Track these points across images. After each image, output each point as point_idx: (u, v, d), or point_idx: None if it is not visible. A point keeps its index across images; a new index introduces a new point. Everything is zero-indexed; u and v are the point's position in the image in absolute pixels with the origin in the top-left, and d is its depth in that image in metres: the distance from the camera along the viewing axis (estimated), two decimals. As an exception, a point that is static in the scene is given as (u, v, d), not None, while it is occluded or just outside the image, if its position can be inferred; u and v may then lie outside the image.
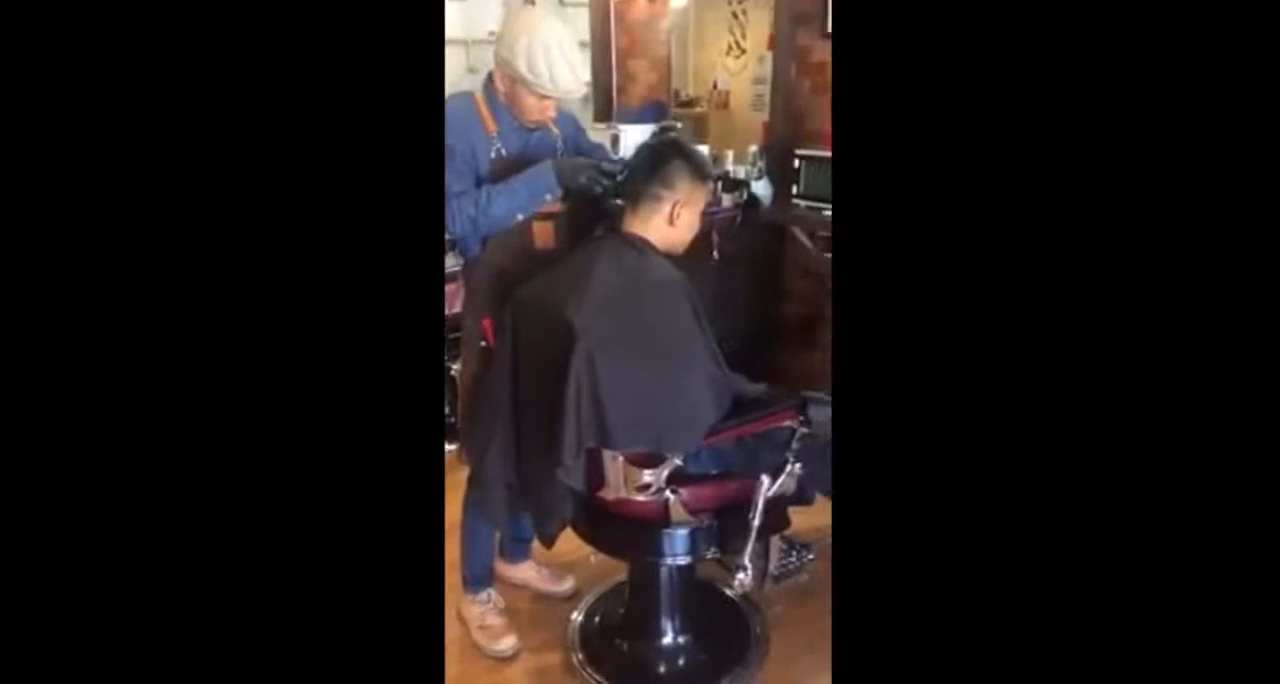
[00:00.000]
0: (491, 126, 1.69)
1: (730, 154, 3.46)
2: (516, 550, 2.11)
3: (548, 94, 1.61)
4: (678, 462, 1.50)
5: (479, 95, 1.70)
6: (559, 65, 1.57)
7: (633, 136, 3.59)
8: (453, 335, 2.56)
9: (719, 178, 3.25)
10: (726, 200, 3.15)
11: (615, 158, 1.93)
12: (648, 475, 1.49)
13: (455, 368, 2.18)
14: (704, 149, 3.51)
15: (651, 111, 3.67)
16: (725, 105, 4.64)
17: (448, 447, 2.35)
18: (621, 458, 1.50)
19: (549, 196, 1.65)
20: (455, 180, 1.64)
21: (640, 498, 1.52)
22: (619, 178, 1.63)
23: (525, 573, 2.13)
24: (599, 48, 3.95)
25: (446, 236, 1.70)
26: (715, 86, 4.74)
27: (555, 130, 1.79)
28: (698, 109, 4.77)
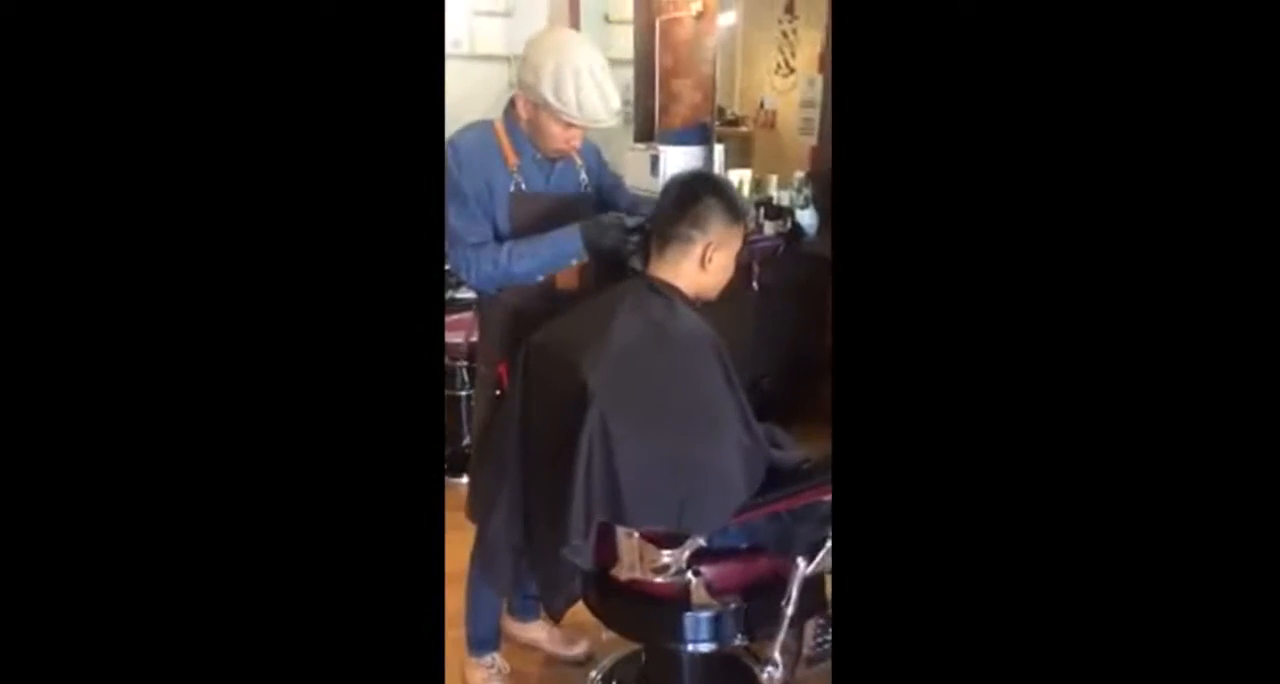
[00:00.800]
0: (512, 159, 1.52)
1: (774, 179, 3.25)
2: (526, 608, 1.93)
3: (575, 122, 1.43)
4: (701, 542, 1.30)
5: (499, 124, 1.54)
6: (588, 91, 1.40)
7: (673, 159, 3.42)
8: (470, 365, 2.41)
9: (761, 204, 3.05)
10: (769, 228, 2.95)
11: (637, 194, 1.77)
12: (666, 556, 1.29)
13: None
14: (747, 173, 3.33)
15: (695, 133, 3.48)
16: (772, 125, 4.45)
17: (459, 480, 2.19)
18: (637, 534, 1.30)
19: (574, 260, 1.51)
20: (470, 228, 1.49)
21: (657, 580, 1.32)
22: (647, 227, 1.46)
23: (535, 633, 1.94)
24: (642, 66, 3.78)
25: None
26: (762, 106, 4.56)
27: (579, 161, 1.62)
28: (743, 128, 4.60)
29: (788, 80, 4.37)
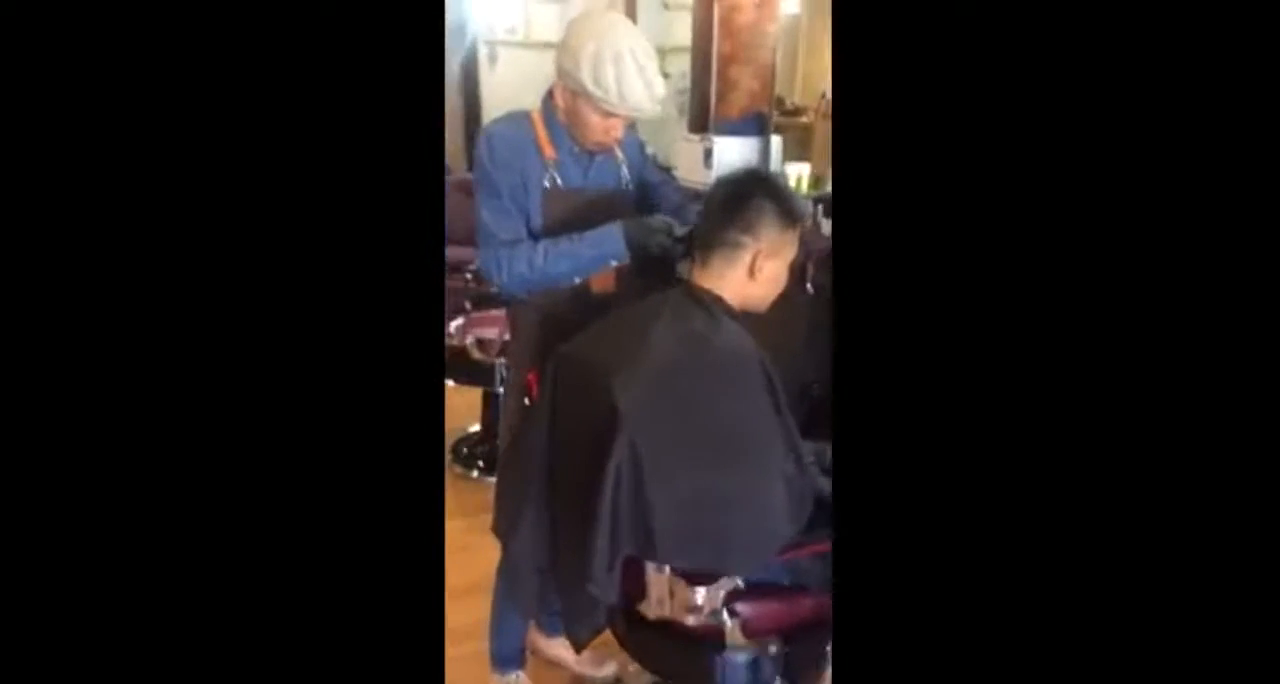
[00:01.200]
0: (549, 151, 1.40)
1: (807, 170, 3.06)
2: (553, 623, 1.82)
3: (614, 111, 1.30)
4: (739, 581, 1.17)
5: (537, 114, 1.42)
6: (630, 77, 1.27)
7: (728, 150, 3.26)
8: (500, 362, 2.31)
9: (820, 200, 2.88)
10: (827, 227, 2.77)
11: (689, 188, 1.62)
12: (700, 595, 1.17)
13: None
14: (805, 167, 3.15)
15: (752, 123, 3.31)
16: (827, 115, 4.28)
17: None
18: (669, 569, 1.18)
19: (614, 262, 1.37)
20: (502, 224, 1.37)
21: (690, 620, 1.20)
22: (683, 246, 1.34)
23: (562, 650, 1.84)
24: (699, 53, 3.62)
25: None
26: (824, 97, 4.38)
27: (620, 156, 1.49)
28: (803, 119, 4.42)
29: (851, 70, 4.17)
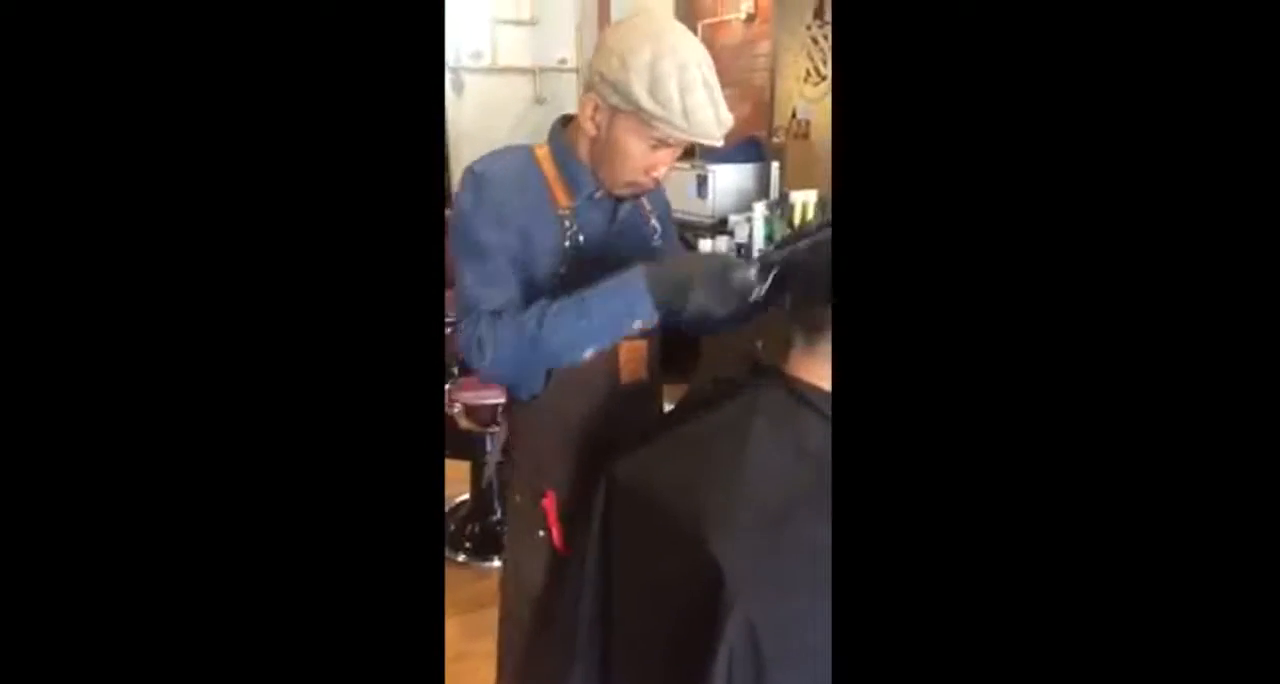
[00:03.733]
0: (563, 199, 1.00)
1: (814, 198, 2.75)
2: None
3: (675, 136, 0.92)
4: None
5: (543, 152, 1.02)
6: (698, 94, 0.90)
7: (725, 178, 2.92)
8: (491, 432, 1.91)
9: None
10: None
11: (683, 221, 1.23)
12: None
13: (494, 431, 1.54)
14: (813, 194, 2.83)
15: (746, 149, 2.98)
16: (805, 136, 4.00)
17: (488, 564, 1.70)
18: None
19: (637, 323, 0.93)
20: (491, 291, 0.96)
21: None
22: (762, 290, 0.90)
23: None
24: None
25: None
26: (794, 116, 4.11)
27: (647, 206, 1.11)
28: (776, 140, 4.15)
29: (818, 89, 3.92)
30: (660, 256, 1.08)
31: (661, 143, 0.94)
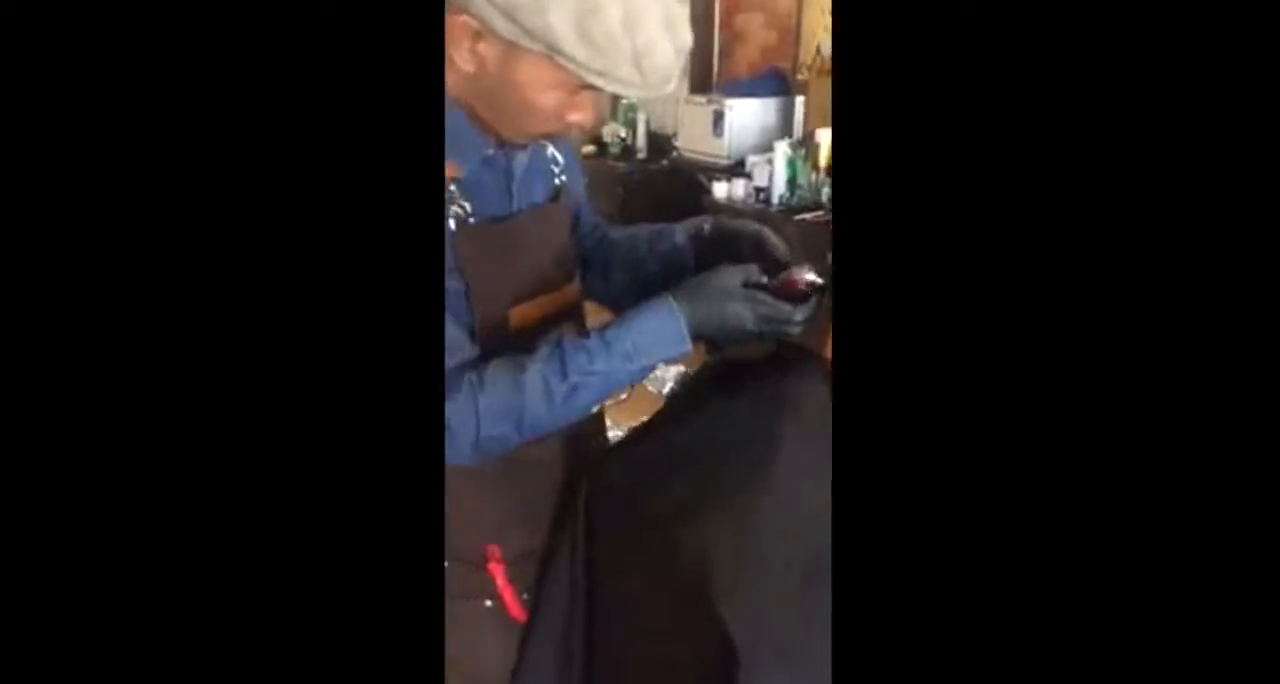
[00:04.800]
0: (449, 168, 0.69)
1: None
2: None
3: (617, 89, 0.64)
4: None
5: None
6: (653, 25, 0.61)
7: (743, 114, 2.63)
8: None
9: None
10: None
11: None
12: None
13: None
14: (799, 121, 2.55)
15: (767, 82, 2.68)
16: (829, 72, 3.67)
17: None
18: None
19: (676, 353, 0.67)
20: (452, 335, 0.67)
21: None
22: (802, 315, 0.67)
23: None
24: (698, 1, 2.95)
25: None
26: (819, 51, 3.77)
27: (550, 149, 0.82)
28: (799, 76, 3.82)
29: (845, 22, 3.58)
30: (564, 208, 0.82)
31: (586, 85, 0.63)
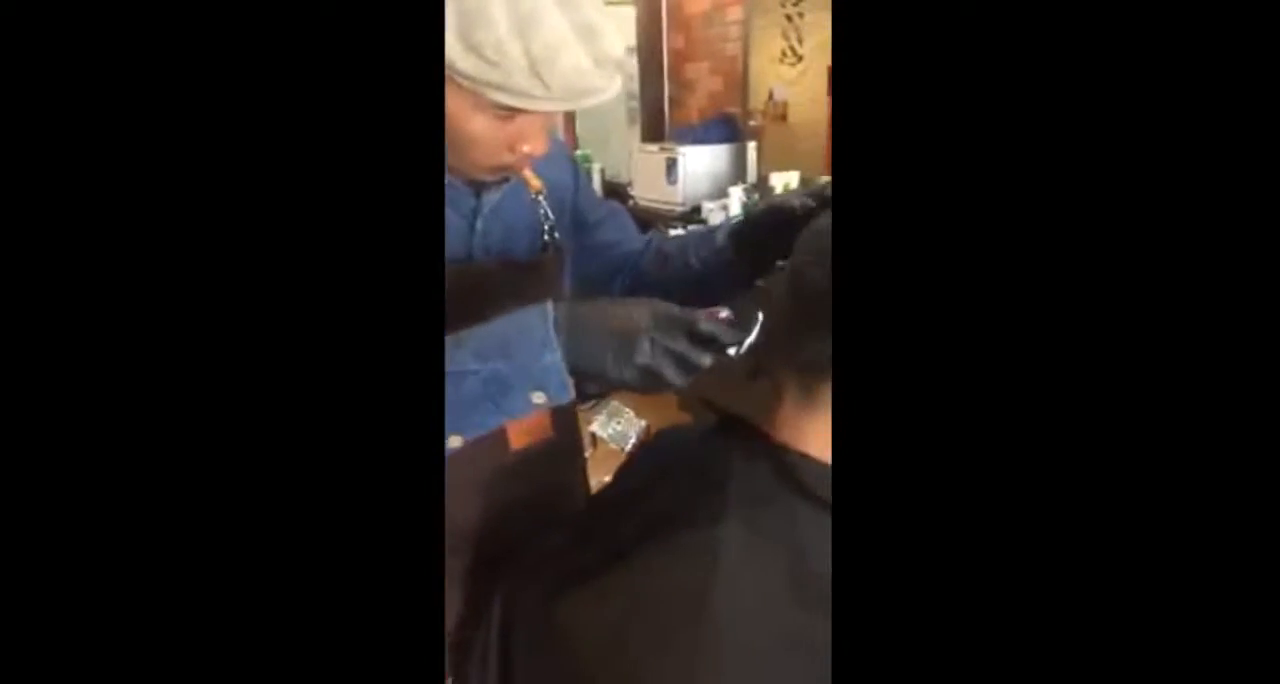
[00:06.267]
0: None
1: (795, 179, 2.46)
2: None
3: (525, 105, 0.57)
4: None
5: None
6: (553, 27, 0.54)
7: (696, 161, 2.60)
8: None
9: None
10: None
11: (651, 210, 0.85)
12: None
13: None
14: (794, 176, 2.53)
15: (718, 128, 2.66)
16: (783, 118, 3.68)
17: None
18: None
19: (538, 399, 0.56)
20: None
21: None
22: (744, 346, 0.57)
23: None
24: (648, 51, 2.95)
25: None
26: (771, 97, 3.79)
27: (536, 186, 0.75)
28: (752, 123, 3.83)
29: (795, 69, 3.63)
30: (555, 258, 0.75)
31: (512, 110, 0.58)
